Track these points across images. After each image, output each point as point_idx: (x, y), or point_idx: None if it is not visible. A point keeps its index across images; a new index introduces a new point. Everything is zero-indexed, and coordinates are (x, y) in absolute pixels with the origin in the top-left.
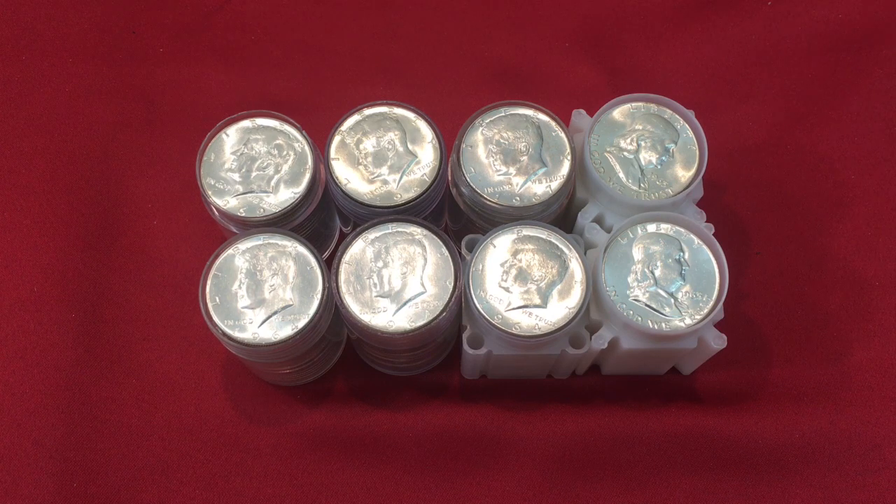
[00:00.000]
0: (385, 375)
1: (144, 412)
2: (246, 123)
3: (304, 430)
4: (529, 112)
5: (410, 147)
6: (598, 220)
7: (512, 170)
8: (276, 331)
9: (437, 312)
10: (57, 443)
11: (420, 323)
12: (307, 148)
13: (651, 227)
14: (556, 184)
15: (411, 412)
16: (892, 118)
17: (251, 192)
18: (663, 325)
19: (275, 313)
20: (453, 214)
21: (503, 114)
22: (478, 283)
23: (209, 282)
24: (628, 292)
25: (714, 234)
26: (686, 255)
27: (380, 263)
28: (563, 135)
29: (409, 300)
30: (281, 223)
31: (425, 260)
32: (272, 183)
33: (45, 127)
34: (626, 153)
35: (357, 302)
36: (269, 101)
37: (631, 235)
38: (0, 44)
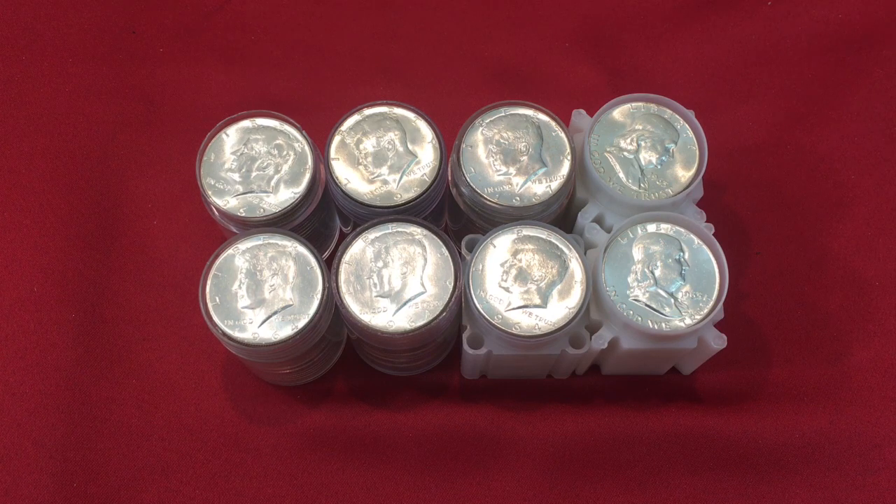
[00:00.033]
0: (385, 375)
1: (144, 412)
2: (246, 123)
3: (304, 430)
4: (529, 112)
5: (410, 147)
6: (598, 220)
7: (512, 170)
8: (276, 331)
9: (437, 312)
10: (57, 443)
11: (420, 323)
12: (307, 148)
13: (651, 227)
14: (556, 184)
15: (411, 412)
16: (892, 118)
17: (251, 192)
18: (663, 325)
19: (275, 313)
20: (453, 214)
21: (503, 114)
22: (478, 283)
23: (209, 282)
24: (628, 292)
25: (714, 234)
26: (686, 255)
27: (380, 263)
28: (563, 135)
29: (409, 300)
30: (281, 223)
31: (425, 260)
32: (272, 183)
33: (45, 127)
34: (626, 153)
35: (357, 302)
36: (269, 101)
37: (631, 235)
38: (0, 44)
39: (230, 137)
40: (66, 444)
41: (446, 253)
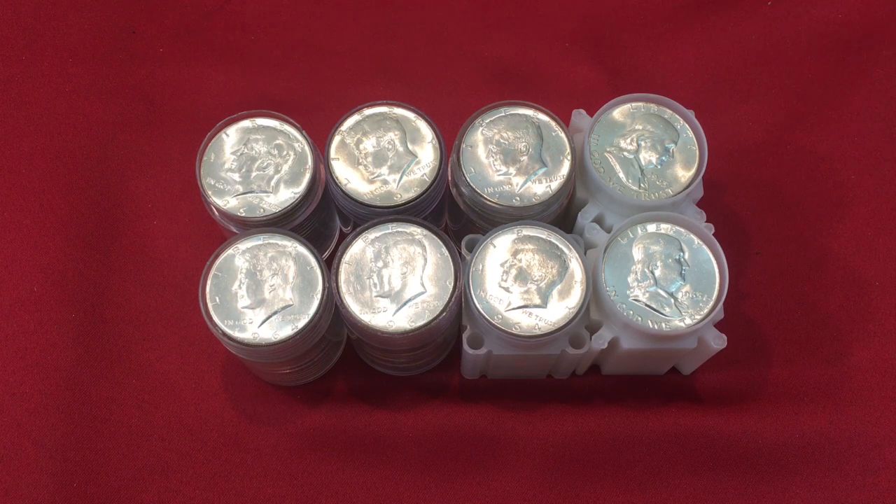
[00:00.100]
0: (385, 375)
1: (144, 412)
2: (246, 123)
3: (304, 430)
4: (529, 112)
5: (410, 147)
6: (598, 220)
7: (512, 170)
8: (276, 331)
9: (437, 312)
10: (57, 443)
11: (420, 323)
12: (307, 148)
13: (651, 227)
14: (556, 184)
15: (411, 412)
16: (892, 118)
17: (251, 192)
18: (663, 325)
19: (275, 313)
20: (453, 214)
21: (503, 114)
22: (478, 283)
23: (209, 282)
24: (628, 292)
25: (714, 234)
26: (686, 255)
27: (380, 263)
28: (563, 135)
29: (409, 300)
30: (281, 223)
31: (425, 260)
32: (272, 183)
33: (45, 127)
34: (626, 153)
35: (357, 302)
36: (269, 101)
37: (631, 235)
38: (0, 44)
39: (230, 137)
40: (66, 444)
41: (446, 253)
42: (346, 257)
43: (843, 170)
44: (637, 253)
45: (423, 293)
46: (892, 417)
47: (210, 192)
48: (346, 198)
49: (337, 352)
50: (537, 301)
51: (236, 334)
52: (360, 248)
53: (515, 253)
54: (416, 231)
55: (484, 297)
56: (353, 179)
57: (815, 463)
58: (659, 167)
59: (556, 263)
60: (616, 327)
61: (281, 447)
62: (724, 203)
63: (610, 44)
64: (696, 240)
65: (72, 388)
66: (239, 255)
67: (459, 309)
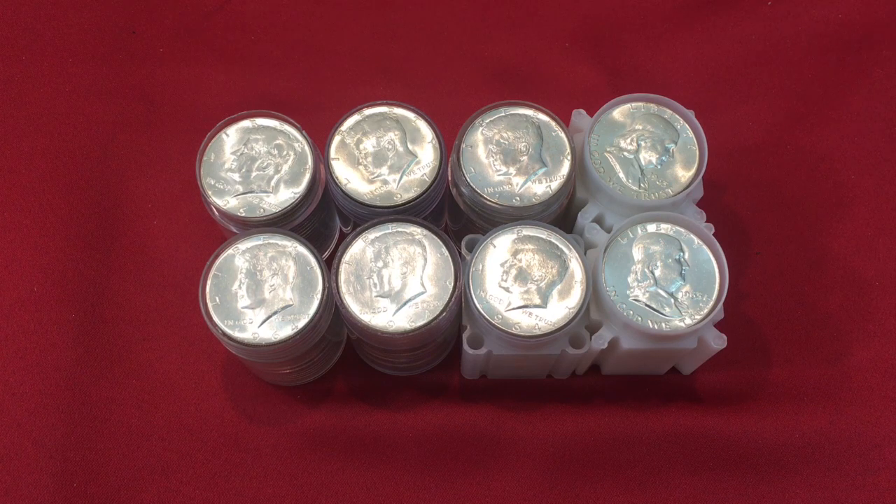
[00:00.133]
0: (385, 375)
1: (144, 412)
2: (246, 123)
3: (304, 430)
4: (529, 112)
5: (410, 147)
6: (598, 220)
7: (512, 170)
8: (276, 331)
9: (437, 312)
10: (57, 443)
11: (420, 323)
12: (307, 148)
13: (651, 227)
14: (556, 184)
15: (411, 412)
16: (892, 118)
17: (251, 192)
18: (663, 325)
19: (275, 313)
20: (453, 214)
21: (503, 114)
22: (478, 283)
23: (209, 282)
24: (628, 292)
25: (714, 234)
26: (686, 255)
27: (380, 263)
28: (563, 135)
29: (409, 300)
30: (281, 223)
31: (425, 260)
32: (272, 183)
33: (45, 127)
34: (626, 153)
35: (357, 302)
36: (269, 101)
37: (631, 235)
38: (0, 44)
39: (230, 137)
40: (66, 444)
41: (446, 253)
42: (346, 257)
43: (843, 170)
44: (637, 253)
45: (423, 293)
46: (892, 417)
47: (210, 192)
48: (346, 198)
49: (337, 352)
50: (537, 301)
51: (236, 334)
52: (360, 248)
53: (515, 253)
54: (416, 231)
55: (484, 297)
56: (353, 179)
57: (815, 463)
58: (659, 167)
59: (556, 263)
60: (616, 327)
61: (281, 447)
62: (724, 203)
63: (610, 44)
64: (696, 240)
65: (72, 388)
66: (239, 255)
67: (459, 309)
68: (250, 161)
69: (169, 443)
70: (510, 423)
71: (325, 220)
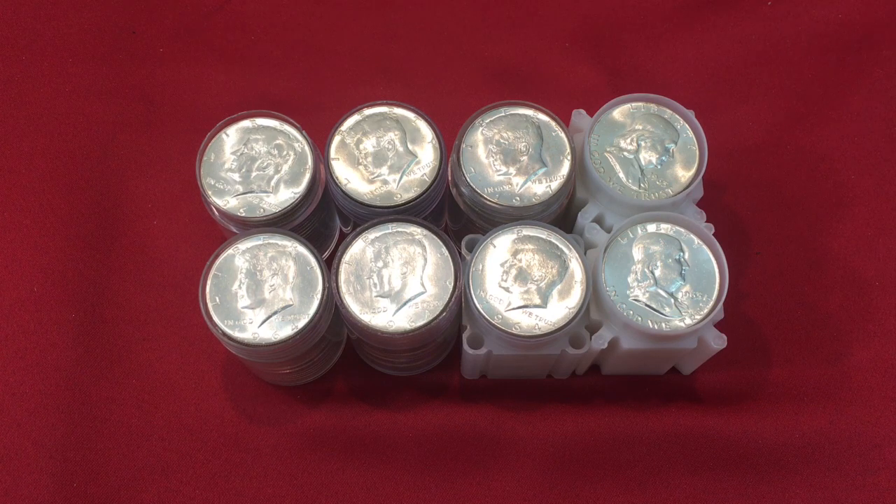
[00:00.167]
0: (385, 375)
1: (144, 412)
2: (246, 123)
3: (304, 430)
4: (529, 112)
5: (410, 147)
6: (598, 220)
7: (512, 170)
8: (276, 331)
9: (437, 312)
10: (57, 443)
11: (420, 323)
12: (307, 148)
13: (651, 227)
14: (556, 184)
15: (411, 412)
16: (892, 118)
17: (251, 192)
18: (663, 325)
19: (275, 313)
20: (453, 214)
21: (503, 114)
22: (478, 283)
23: (209, 282)
24: (628, 292)
25: (714, 234)
26: (686, 255)
27: (380, 263)
28: (563, 135)
29: (409, 300)
30: (281, 223)
31: (425, 260)
32: (272, 183)
33: (45, 127)
34: (626, 153)
35: (357, 302)
36: (269, 101)
37: (631, 235)
38: (0, 44)
39: (230, 137)
40: (66, 444)
41: (446, 253)
42: (346, 257)
43: (843, 170)
44: (637, 253)
45: (423, 293)
46: (892, 417)
47: (210, 192)
48: (346, 198)
49: (337, 352)
50: (537, 301)
51: (236, 334)
52: (360, 248)
53: (515, 253)
54: (416, 231)
55: (484, 297)
56: (353, 179)
57: (815, 463)
58: (659, 167)
59: (556, 263)
60: (616, 327)
61: (281, 447)
62: (724, 203)
63: (610, 44)
64: (696, 240)
65: (72, 388)
66: (239, 255)
67: (459, 309)
68: (250, 161)
69: (169, 443)
70: (510, 423)
71: (325, 220)
